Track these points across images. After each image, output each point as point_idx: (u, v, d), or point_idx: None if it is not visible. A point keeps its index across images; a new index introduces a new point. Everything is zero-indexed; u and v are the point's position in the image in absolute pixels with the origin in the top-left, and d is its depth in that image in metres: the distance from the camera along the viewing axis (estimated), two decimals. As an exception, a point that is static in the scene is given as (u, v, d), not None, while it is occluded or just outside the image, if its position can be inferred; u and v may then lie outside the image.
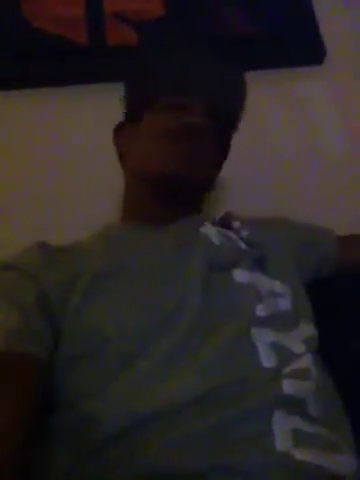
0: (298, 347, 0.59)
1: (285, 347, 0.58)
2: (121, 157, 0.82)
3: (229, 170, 0.87)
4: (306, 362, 0.57)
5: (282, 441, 0.49)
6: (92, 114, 1.05)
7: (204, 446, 0.49)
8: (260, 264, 0.68)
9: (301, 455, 0.48)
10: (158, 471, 0.48)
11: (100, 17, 1.12)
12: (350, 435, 0.56)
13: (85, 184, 1.01)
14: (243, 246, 0.70)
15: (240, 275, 0.64)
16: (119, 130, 0.84)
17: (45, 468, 0.53)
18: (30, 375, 0.54)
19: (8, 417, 0.50)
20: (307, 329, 0.63)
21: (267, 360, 0.55)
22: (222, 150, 0.81)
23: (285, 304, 0.64)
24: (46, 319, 0.58)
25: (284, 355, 0.57)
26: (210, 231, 0.70)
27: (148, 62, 0.80)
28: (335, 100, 1.14)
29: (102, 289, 0.60)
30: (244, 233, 0.73)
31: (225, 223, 0.76)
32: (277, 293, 0.65)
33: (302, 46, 1.16)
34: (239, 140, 0.95)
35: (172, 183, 0.71)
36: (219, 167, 0.82)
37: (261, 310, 0.60)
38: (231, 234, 0.72)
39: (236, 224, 0.76)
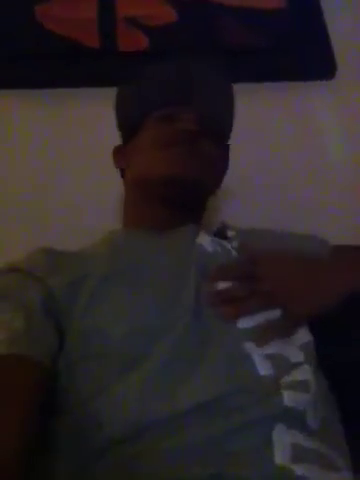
0: (295, 355, 0.58)
1: (281, 356, 0.57)
2: (122, 174, 0.84)
3: (236, 181, 0.87)
4: (305, 372, 0.57)
5: (281, 455, 0.48)
6: (101, 118, 1.04)
7: (203, 455, 0.48)
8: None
9: (300, 470, 0.47)
10: (155, 478, 0.47)
11: (112, 21, 1.12)
12: (346, 450, 0.56)
13: (92, 186, 1.01)
14: (235, 254, 0.70)
15: (226, 283, 0.63)
16: (117, 152, 0.85)
17: (47, 472, 0.52)
18: (34, 378, 0.53)
19: (12, 421, 0.49)
20: (303, 335, 0.62)
21: (263, 369, 0.55)
22: (221, 159, 0.81)
23: (278, 312, 0.63)
24: (51, 321, 0.58)
25: (281, 364, 0.56)
26: (205, 240, 0.70)
27: (138, 78, 0.81)
28: (345, 115, 1.13)
29: (107, 292, 0.60)
30: (237, 242, 0.73)
31: (221, 233, 0.77)
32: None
33: (313, 60, 1.16)
34: (246, 152, 0.96)
35: (177, 185, 0.71)
36: (220, 176, 0.82)
37: (244, 322, 0.59)
38: (225, 243, 0.72)
39: (230, 233, 0.76)
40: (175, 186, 0.71)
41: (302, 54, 1.14)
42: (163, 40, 1.09)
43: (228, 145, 0.84)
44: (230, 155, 0.84)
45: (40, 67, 1.09)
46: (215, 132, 0.77)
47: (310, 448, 0.50)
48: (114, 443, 0.50)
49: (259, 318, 0.60)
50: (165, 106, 0.76)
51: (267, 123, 1.10)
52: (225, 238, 0.74)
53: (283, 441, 0.49)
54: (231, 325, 0.59)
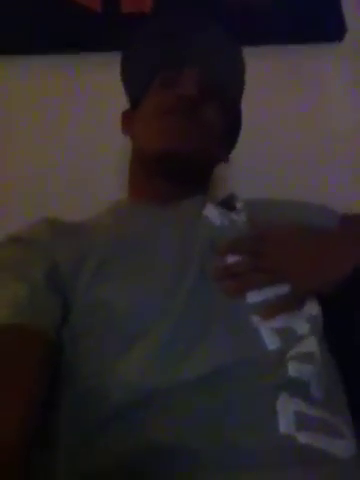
0: (302, 327, 0.58)
1: (289, 329, 0.57)
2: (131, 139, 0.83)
3: (239, 149, 0.86)
4: (311, 344, 0.57)
5: (285, 424, 0.49)
6: (105, 83, 1.02)
7: (208, 425, 0.48)
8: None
9: (303, 438, 0.48)
10: (159, 447, 0.48)
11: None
12: (350, 418, 0.56)
13: (92, 155, 1.00)
14: (243, 227, 0.69)
15: (234, 259, 0.63)
16: (126, 118, 0.84)
17: (50, 445, 0.53)
18: (38, 348, 0.53)
19: (16, 390, 0.49)
20: (311, 308, 0.61)
21: (271, 343, 0.55)
22: (229, 126, 0.79)
23: (286, 286, 0.62)
24: (55, 293, 0.58)
25: (288, 337, 0.56)
26: (212, 212, 0.69)
27: (140, 40, 0.78)
28: (355, 79, 1.10)
29: (111, 266, 0.60)
30: (245, 214, 0.72)
31: (228, 204, 0.75)
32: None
33: (320, 20, 1.12)
34: (250, 118, 0.94)
35: (172, 160, 0.70)
36: (226, 143, 0.81)
37: (253, 296, 0.59)
38: (233, 215, 0.71)
39: (239, 205, 0.75)
40: (170, 161, 0.70)
41: (309, 16, 1.11)
42: (166, 1, 1.06)
43: (239, 108, 0.81)
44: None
45: (40, 32, 1.06)
46: (220, 94, 0.75)
47: (314, 416, 0.51)
48: (118, 414, 0.50)
49: (267, 293, 0.59)
50: (166, 68, 0.75)
51: (271, 87, 1.07)
52: (233, 209, 0.73)
53: (287, 410, 0.50)
54: (239, 299, 0.58)
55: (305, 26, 1.11)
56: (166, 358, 0.52)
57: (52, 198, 0.98)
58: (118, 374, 0.52)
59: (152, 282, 0.58)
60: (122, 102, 0.83)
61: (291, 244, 0.64)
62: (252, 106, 0.95)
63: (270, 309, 0.58)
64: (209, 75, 0.74)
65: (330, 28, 1.13)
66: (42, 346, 0.54)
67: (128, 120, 0.82)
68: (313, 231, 0.66)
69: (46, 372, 0.53)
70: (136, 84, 0.79)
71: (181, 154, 0.69)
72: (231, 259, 0.62)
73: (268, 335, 0.55)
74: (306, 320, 0.59)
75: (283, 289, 0.60)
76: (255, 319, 0.56)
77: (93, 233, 0.65)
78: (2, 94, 1.05)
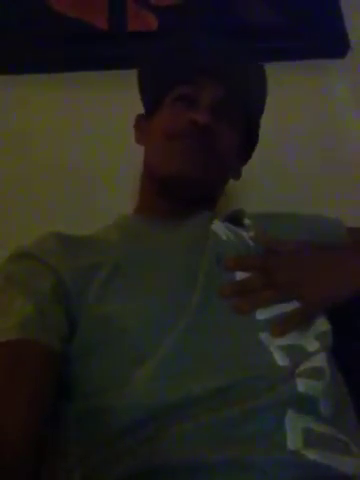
0: (312, 345, 0.58)
1: (298, 346, 0.57)
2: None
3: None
4: (320, 360, 0.56)
5: (293, 440, 0.49)
6: (110, 101, 1.04)
7: (215, 439, 0.48)
8: None
9: (312, 455, 0.48)
10: (169, 462, 0.48)
11: (122, 2, 1.11)
12: (359, 434, 0.56)
13: (98, 172, 1.01)
14: (251, 243, 0.69)
15: (242, 275, 0.62)
16: (139, 124, 0.83)
17: (59, 455, 0.53)
18: (44, 362, 0.53)
19: (22, 404, 0.50)
20: (321, 324, 0.61)
21: (281, 360, 0.55)
22: (245, 142, 0.79)
23: (292, 303, 0.62)
24: (61, 309, 0.58)
25: (298, 354, 0.56)
26: (219, 228, 0.69)
27: (159, 52, 0.78)
28: (358, 94, 1.11)
29: (119, 281, 0.60)
30: (253, 231, 0.72)
31: (236, 220, 0.75)
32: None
33: (325, 38, 1.13)
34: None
35: (180, 185, 0.70)
36: (240, 161, 0.81)
37: (260, 314, 0.59)
38: (241, 231, 0.71)
39: (246, 221, 0.75)
40: (177, 185, 0.71)
41: (313, 32, 1.12)
42: (172, 20, 1.08)
43: (258, 123, 0.81)
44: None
45: (48, 51, 1.07)
46: (237, 110, 0.75)
47: (323, 433, 0.51)
48: (126, 430, 0.50)
49: (276, 310, 0.59)
50: (183, 82, 0.74)
51: (276, 102, 1.07)
52: (241, 226, 0.73)
53: (295, 427, 0.50)
54: (248, 316, 0.58)
55: (309, 42, 1.12)
56: (174, 374, 0.52)
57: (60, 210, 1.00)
58: (126, 390, 0.53)
59: (159, 299, 0.58)
60: (128, 119, 0.84)
61: (301, 259, 0.64)
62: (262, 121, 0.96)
63: (279, 327, 0.58)
64: (226, 91, 0.73)
65: (333, 44, 1.14)
66: (48, 360, 0.54)
67: (141, 127, 0.82)
68: (323, 245, 0.66)
69: (51, 385, 0.53)
70: (152, 93, 0.79)
71: (189, 180, 0.69)
72: (240, 275, 0.62)
73: (277, 352, 0.55)
74: (315, 337, 0.59)
75: (293, 305, 0.60)
76: (264, 336, 0.56)
77: (101, 249, 0.65)
78: (17, 110, 1.07)
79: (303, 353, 0.56)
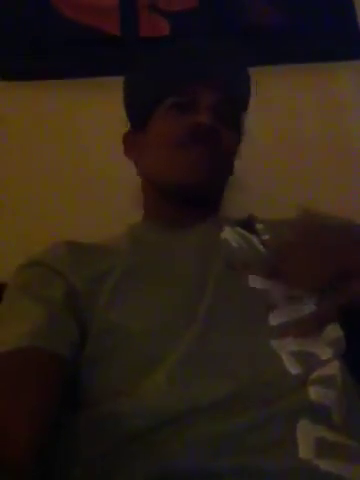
0: (324, 352, 0.57)
1: (310, 353, 0.56)
2: (136, 164, 0.81)
3: (256, 166, 0.86)
4: (332, 368, 0.56)
5: (305, 449, 0.48)
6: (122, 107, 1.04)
7: (226, 447, 0.48)
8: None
9: (323, 465, 0.47)
10: (178, 469, 0.48)
11: (134, 7, 1.11)
12: None
13: (108, 177, 1.01)
14: (262, 249, 0.68)
15: (254, 280, 0.62)
16: (128, 140, 0.82)
17: (68, 460, 0.54)
18: (53, 371, 0.54)
19: (28, 412, 0.50)
20: (333, 331, 0.61)
21: (293, 367, 0.54)
22: (236, 142, 0.78)
23: (308, 308, 0.61)
24: (73, 316, 0.59)
25: (310, 362, 0.55)
26: (230, 235, 0.69)
27: (148, 63, 0.78)
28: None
29: (128, 290, 0.60)
30: (265, 236, 0.71)
31: (248, 225, 0.75)
32: (297, 298, 0.62)
33: (338, 39, 1.12)
34: (268, 136, 0.94)
35: (189, 193, 0.70)
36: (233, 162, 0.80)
37: (274, 319, 0.59)
38: (252, 237, 0.70)
39: (259, 226, 0.74)
40: (189, 193, 0.71)
41: (326, 33, 1.11)
42: (184, 25, 1.08)
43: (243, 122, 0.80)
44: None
45: (59, 57, 1.08)
46: (234, 111, 0.75)
47: (335, 442, 0.50)
48: (136, 436, 0.51)
49: (290, 314, 0.59)
50: (176, 91, 0.73)
51: (288, 105, 1.07)
52: (253, 232, 0.73)
53: (307, 435, 0.49)
54: (260, 322, 0.58)
55: (322, 45, 1.11)
56: (184, 382, 0.53)
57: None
58: (136, 397, 0.53)
59: (169, 305, 0.59)
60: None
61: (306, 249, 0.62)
62: (268, 123, 0.96)
63: (291, 331, 0.57)
64: (221, 92, 0.73)
65: (347, 46, 1.12)
66: (57, 368, 0.54)
67: (130, 144, 0.81)
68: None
69: (58, 393, 0.54)
70: (142, 105, 0.77)
71: (201, 186, 0.69)
72: (252, 281, 0.61)
73: (289, 359, 0.55)
74: (328, 344, 0.59)
75: (308, 308, 0.59)
76: (276, 343, 0.56)
77: (111, 256, 0.66)
78: (30, 115, 1.08)
79: (315, 360, 0.56)
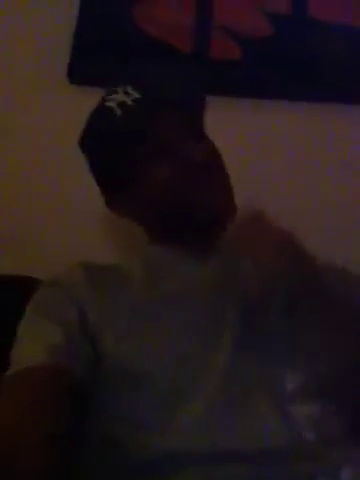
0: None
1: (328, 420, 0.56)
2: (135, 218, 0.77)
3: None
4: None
5: None
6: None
7: None
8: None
9: None
10: None
11: (208, 28, 1.13)
12: None
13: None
14: None
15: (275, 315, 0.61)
16: (113, 207, 0.77)
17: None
18: (67, 389, 0.55)
19: (41, 428, 0.51)
20: None
21: (307, 432, 0.54)
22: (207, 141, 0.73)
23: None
24: (88, 338, 0.60)
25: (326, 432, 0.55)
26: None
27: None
28: None
29: (143, 323, 0.60)
30: None
31: None
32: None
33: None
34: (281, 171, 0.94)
35: (208, 227, 0.67)
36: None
37: (291, 381, 0.57)
38: None
39: None
40: (206, 228, 0.67)
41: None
42: (256, 52, 1.09)
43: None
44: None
45: (127, 66, 1.08)
46: (193, 123, 0.71)
47: None
48: (146, 467, 0.52)
49: (306, 378, 0.58)
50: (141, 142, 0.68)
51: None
52: None
53: None
54: (276, 379, 0.57)
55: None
56: (204, 427, 0.53)
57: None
58: (150, 436, 0.53)
59: (186, 342, 0.58)
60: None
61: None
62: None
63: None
64: (174, 117, 0.69)
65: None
66: (71, 386, 0.55)
67: (117, 207, 0.76)
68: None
69: (70, 412, 0.54)
70: (116, 166, 0.72)
71: (217, 221, 0.66)
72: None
73: (306, 425, 0.54)
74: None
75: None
76: (293, 408, 0.55)
77: (125, 284, 0.66)
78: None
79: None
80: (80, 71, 1.09)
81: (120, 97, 0.69)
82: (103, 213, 0.99)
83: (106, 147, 0.72)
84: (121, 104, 0.68)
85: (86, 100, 1.05)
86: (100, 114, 0.72)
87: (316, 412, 0.56)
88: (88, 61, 1.10)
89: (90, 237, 1.00)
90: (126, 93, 0.69)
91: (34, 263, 0.94)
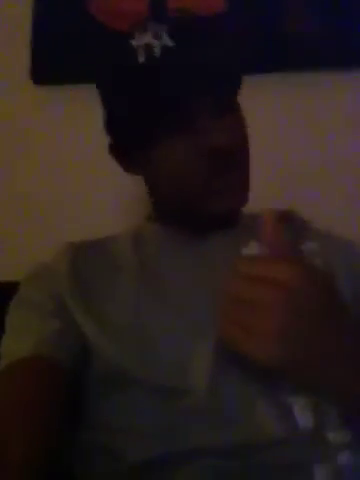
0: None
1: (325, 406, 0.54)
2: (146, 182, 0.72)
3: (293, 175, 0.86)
4: None
5: None
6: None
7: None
8: None
9: None
10: None
11: (163, 13, 1.13)
12: None
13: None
14: None
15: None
16: (120, 154, 0.71)
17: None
18: (55, 381, 0.55)
19: (29, 422, 0.51)
20: None
21: (307, 420, 0.53)
22: (241, 116, 0.67)
23: None
24: (71, 329, 0.59)
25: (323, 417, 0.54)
26: (254, 251, 0.63)
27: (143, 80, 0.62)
28: None
29: (132, 319, 0.59)
30: (315, 258, 0.64)
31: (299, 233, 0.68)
32: None
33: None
34: (299, 146, 0.95)
35: (223, 217, 0.65)
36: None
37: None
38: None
39: (311, 245, 0.67)
40: (219, 218, 0.65)
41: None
42: (211, 29, 1.09)
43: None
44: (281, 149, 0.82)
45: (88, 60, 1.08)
46: (230, 95, 0.65)
47: None
48: (138, 467, 0.52)
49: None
50: (178, 109, 0.61)
51: (321, 115, 1.06)
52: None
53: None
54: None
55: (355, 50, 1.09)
56: (199, 423, 0.52)
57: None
58: (140, 434, 0.53)
59: (178, 335, 0.57)
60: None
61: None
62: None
63: None
64: (222, 94, 0.63)
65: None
66: (60, 378, 0.56)
67: (126, 159, 0.70)
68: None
69: (61, 403, 0.55)
70: (141, 122, 0.63)
71: (225, 213, 0.64)
72: None
73: (301, 413, 0.53)
74: None
75: None
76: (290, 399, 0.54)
77: (114, 271, 0.64)
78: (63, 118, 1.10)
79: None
80: (42, 71, 1.10)
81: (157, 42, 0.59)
82: (70, 217, 1.02)
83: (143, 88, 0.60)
84: (162, 47, 0.59)
85: (52, 98, 1.09)
86: (129, 53, 0.61)
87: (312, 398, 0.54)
88: (49, 60, 1.11)
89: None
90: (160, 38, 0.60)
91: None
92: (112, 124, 0.69)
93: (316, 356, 0.41)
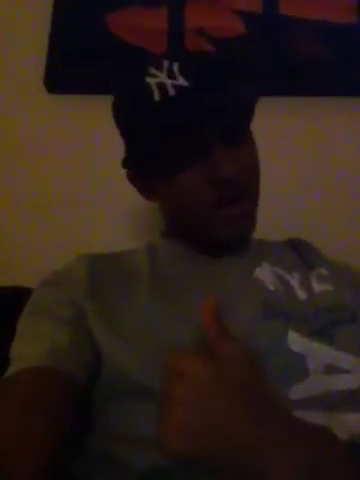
0: None
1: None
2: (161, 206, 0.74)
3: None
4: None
5: None
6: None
7: None
8: (327, 328, 0.60)
9: None
10: None
11: (181, 32, 1.14)
12: None
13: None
14: (301, 296, 0.64)
15: (294, 344, 0.57)
16: (136, 179, 0.73)
17: None
18: (66, 393, 0.54)
19: (38, 434, 0.50)
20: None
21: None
22: (252, 146, 0.68)
23: (350, 382, 0.56)
24: (87, 340, 0.58)
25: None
26: (265, 275, 0.65)
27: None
28: None
29: (144, 329, 0.59)
30: (324, 285, 0.66)
31: (308, 261, 0.70)
32: (340, 368, 0.56)
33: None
34: (302, 172, 0.95)
35: (230, 245, 0.66)
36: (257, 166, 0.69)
37: (296, 392, 0.54)
38: (290, 279, 0.66)
39: (323, 272, 0.69)
40: (223, 246, 0.66)
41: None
42: (229, 51, 1.10)
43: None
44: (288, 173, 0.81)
45: (102, 72, 1.09)
46: (241, 125, 0.65)
47: None
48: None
49: (313, 388, 0.55)
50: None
51: (323, 139, 1.08)
52: (310, 268, 0.68)
53: None
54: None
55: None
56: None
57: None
58: (147, 443, 0.51)
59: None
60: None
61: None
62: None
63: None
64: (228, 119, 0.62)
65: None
66: (71, 390, 0.55)
67: (142, 184, 0.73)
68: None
69: (71, 416, 0.54)
70: (158, 151, 0.64)
71: (236, 240, 0.65)
72: (292, 345, 0.57)
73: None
74: None
75: (351, 381, 0.55)
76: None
77: (130, 283, 0.64)
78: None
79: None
80: (57, 80, 1.11)
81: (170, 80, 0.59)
82: (80, 224, 1.02)
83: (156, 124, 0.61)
84: (175, 86, 0.59)
85: (65, 108, 1.09)
86: (144, 88, 0.61)
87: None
88: (64, 69, 1.11)
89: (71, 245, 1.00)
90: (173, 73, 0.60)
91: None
92: (131, 156, 0.71)
93: (231, 448, 0.38)
